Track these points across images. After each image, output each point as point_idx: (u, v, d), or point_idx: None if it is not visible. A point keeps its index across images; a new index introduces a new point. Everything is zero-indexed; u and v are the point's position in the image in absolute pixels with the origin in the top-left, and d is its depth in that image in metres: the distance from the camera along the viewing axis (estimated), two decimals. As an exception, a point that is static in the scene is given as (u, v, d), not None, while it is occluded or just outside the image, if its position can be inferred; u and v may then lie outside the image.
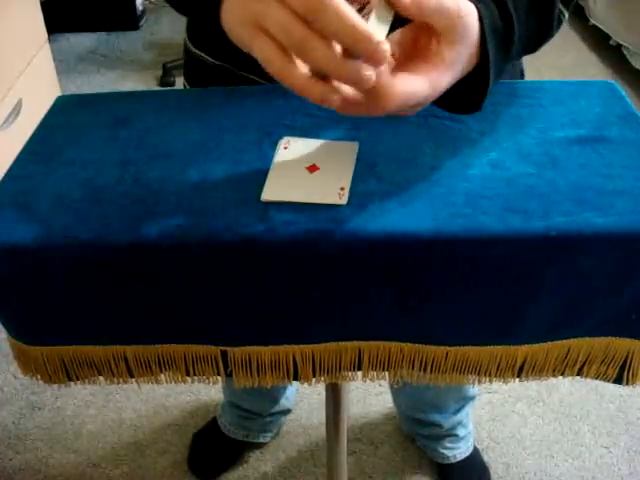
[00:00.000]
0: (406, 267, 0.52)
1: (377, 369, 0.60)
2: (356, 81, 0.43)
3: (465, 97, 0.52)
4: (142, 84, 2.77)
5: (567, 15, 0.60)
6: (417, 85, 0.46)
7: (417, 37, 0.49)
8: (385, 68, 0.45)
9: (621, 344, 0.58)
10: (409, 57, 0.48)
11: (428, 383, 0.61)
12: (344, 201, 0.52)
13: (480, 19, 0.48)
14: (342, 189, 0.53)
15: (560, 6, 0.58)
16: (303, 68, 0.44)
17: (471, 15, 0.48)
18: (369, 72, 0.42)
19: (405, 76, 0.46)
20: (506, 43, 0.51)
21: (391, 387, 1.34)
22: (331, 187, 0.53)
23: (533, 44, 0.57)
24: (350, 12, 0.41)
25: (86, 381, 0.62)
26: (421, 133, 0.59)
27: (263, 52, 0.44)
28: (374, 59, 0.42)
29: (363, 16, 0.43)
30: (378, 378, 0.61)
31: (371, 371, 0.60)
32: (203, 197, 0.53)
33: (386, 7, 0.44)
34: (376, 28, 0.43)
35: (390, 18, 0.45)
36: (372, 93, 0.44)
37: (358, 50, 0.41)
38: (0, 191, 0.55)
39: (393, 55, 0.47)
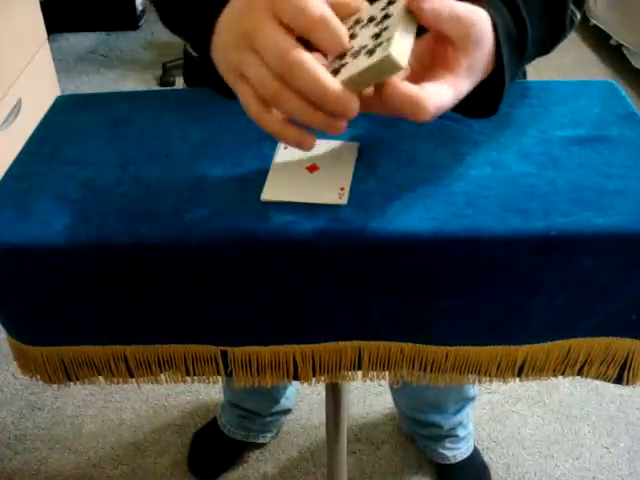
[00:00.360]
0: (406, 267, 0.52)
1: (377, 369, 0.60)
2: (328, 129, 0.45)
3: (480, 101, 0.53)
4: (142, 84, 2.77)
5: (579, 16, 0.60)
6: (445, 95, 0.47)
7: (433, 46, 0.49)
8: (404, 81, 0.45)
9: (621, 344, 0.58)
10: (426, 66, 0.49)
11: (428, 383, 0.61)
12: (344, 201, 0.52)
13: (494, 26, 0.49)
14: (342, 189, 0.53)
15: (572, 7, 0.58)
16: (279, 114, 0.46)
17: (484, 23, 0.48)
18: (340, 123, 0.45)
19: (433, 88, 0.46)
20: (520, 47, 0.52)
21: (391, 387, 1.34)
22: (331, 187, 0.53)
23: (547, 46, 0.58)
24: (321, 71, 0.42)
25: (86, 381, 0.62)
26: (421, 133, 0.59)
27: (243, 97, 0.47)
28: (344, 116, 0.44)
29: (351, 54, 0.44)
30: (378, 378, 0.61)
31: (371, 371, 0.60)
32: (203, 197, 0.53)
33: (410, 19, 0.45)
34: (402, 40, 0.43)
35: (414, 29, 0.45)
36: (405, 109, 0.45)
37: (329, 109, 0.43)
38: (0, 191, 0.55)
39: (411, 65, 0.48)
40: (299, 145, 0.46)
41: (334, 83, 0.42)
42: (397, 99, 0.44)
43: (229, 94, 0.49)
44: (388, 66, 0.42)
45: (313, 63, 0.42)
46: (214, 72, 0.51)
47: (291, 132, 0.46)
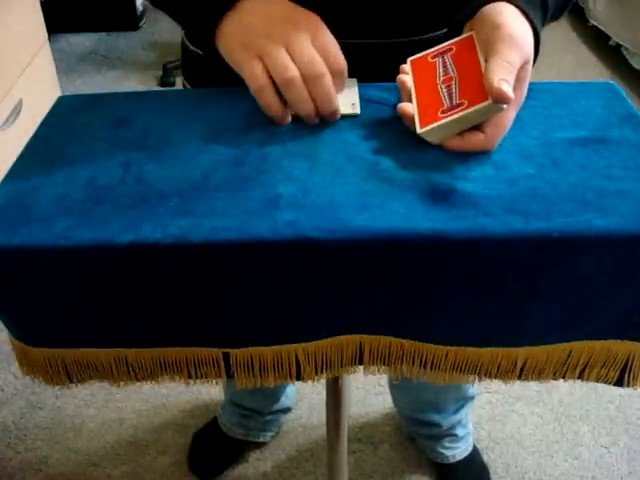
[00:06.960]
0: (406, 267, 0.52)
1: (377, 363, 0.60)
2: (307, 118, 0.59)
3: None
4: (142, 84, 2.77)
5: None
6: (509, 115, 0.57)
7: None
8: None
9: (622, 347, 0.58)
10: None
11: (428, 381, 0.61)
12: (357, 111, 0.62)
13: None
14: (353, 104, 0.63)
15: None
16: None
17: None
18: (316, 119, 0.60)
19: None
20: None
21: (391, 386, 1.34)
22: (345, 103, 0.62)
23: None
24: (333, 90, 0.58)
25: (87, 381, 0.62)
26: (422, 134, 0.59)
27: (253, 69, 0.57)
28: (325, 117, 0.60)
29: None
30: (379, 373, 0.61)
31: (371, 366, 0.60)
32: (204, 197, 0.53)
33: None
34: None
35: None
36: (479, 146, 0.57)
37: (324, 110, 0.59)
38: (1, 192, 0.55)
39: None
40: (278, 119, 0.59)
41: (336, 99, 0.59)
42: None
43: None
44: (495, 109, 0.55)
45: (330, 82, 0.57)
46: (215, 65, 0.55)
47: (280, 110, 0.59)
